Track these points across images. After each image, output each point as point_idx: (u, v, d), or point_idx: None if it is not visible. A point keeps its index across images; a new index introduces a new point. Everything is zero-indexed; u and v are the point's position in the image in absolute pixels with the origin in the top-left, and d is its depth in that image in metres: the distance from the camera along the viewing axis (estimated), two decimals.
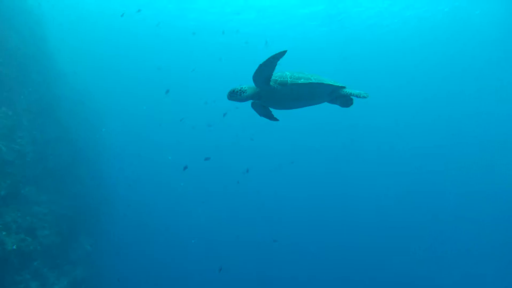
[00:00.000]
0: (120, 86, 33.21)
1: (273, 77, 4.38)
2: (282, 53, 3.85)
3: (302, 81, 4.35)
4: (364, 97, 4.48)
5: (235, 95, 4.43)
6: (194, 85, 32.45)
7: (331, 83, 4.47)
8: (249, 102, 4.72)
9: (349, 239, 27.37)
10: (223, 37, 24.94)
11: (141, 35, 28.17)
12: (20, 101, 11.50)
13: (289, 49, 3.92)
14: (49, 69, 15.22)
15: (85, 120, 18.78)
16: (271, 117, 5.03)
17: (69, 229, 12.69)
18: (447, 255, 25.69)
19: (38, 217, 10.70)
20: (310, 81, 4.36)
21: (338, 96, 4.73)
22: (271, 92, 4.44)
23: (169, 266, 22.15)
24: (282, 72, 4.49)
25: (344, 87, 4.61)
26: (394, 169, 34.15)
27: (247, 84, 4.47)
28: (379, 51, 28.88)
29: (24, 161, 10.73)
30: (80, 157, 15.99)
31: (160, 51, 30.77)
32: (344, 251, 26.17)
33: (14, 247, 8.62)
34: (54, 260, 10.90)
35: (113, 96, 31.64)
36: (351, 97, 4.70)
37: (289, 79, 4.36)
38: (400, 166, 34.21)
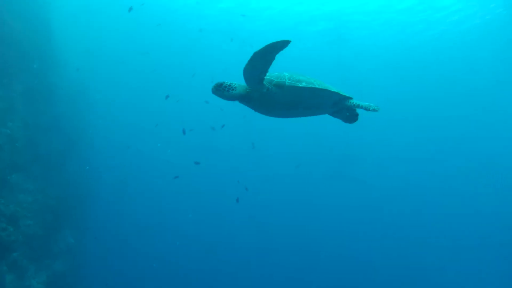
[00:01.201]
0: (119, 81, 32.87)
1: (268, 77, 3.74)
2: (285, 43, 3.14)
3: (303, 84, 3.69)
4: (374, 110, 3.96)
5: (221, 91, 3.75)
6: (197, 86, 32.20)
7: (337, 91, 3.88)
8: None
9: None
10: (229, 43, 24.69)
11: (145, 30, 27.88)
12: (15, 85, 11.22)
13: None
14: (50, 56, 14.92)
15: (80, 111, 18.44)
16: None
17: (53, 220, 12.33)
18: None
19: (22, 206, 10.38)
20: (313, 86, 3.71)
21: (343, 108, 4.17)
22: (264, 95, 3.76)
23: (153, 263, 21.83)
24: (280, 72, 3.87)
25: (351, 98, 4.07)
26: (400, 182, 34.02)
27: (239, 81, 3.80)
28: (381, 69, 28.98)
29: (14, 146, 10.44)
30: (71, 147, 15.65)
31: (163, 48, 30.50)
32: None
33: None
34: (35, 252, 10.56)
35: (111, 90, 31.31)
36: (358, 109, 4.17)
37: (287, 81, 3.70)
38: (405, 179, 34.11)
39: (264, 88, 3.71)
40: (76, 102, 17.79)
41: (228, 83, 3.77)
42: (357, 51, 26.44)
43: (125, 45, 29.49)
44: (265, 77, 3.62)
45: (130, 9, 17.47)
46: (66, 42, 19.19)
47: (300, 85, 3.69)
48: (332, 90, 3.83)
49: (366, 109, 4.00)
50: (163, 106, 27.39)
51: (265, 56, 3.28)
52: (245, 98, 3.86)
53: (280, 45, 3.16)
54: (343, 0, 20.01)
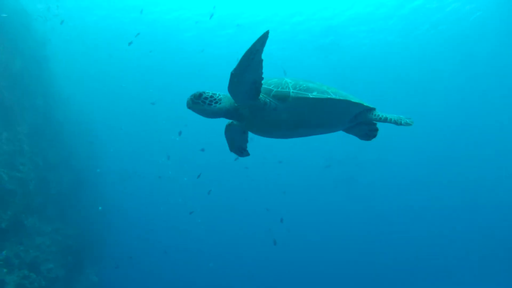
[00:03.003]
0: (122, 110, 32.76)
1: (264, 85, 2.78)
2: (264, 38, 2.29)
3: (314, 94, 2.74)
4: (407, 124, 3.05)
5: (201, 104, 2.80)
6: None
7: (359, 102, 3.00)
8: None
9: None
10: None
11: (142, 59, 27.75)
12: (21, 125, 10.92)
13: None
14: (51, 92, 14.70)
15: (87, 144, 18.20)
16: (242, 151, 3.44)
17: (74, 259, 11.93)
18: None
19: (41, 250, 9.97)
20: (328, 96, 2.78)
21: (362, 123, 3.31)
22: (259, 111, 2.78)
23: None
24: (280, 78, 2.92)
25: (374, 109, 3.21)
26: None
27: (224, 92, 2.85)
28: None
29: (27, 189, 10.07)
30: (83, 182, 15.35)
31: (162, 74, 30.37)
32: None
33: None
34: None
35: (115, 119, 31.16)
36: (383, 123, 3.21)
37: (292, 90, 2.75)
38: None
39: (260, 102, 2.73)
40: (82, 136, 17.55)
41: (210, 94, 2.83)
42: (353, 57, 26.12)
43: (126, 76, 29.43)
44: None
45: (130, 43, 16.95)
46: (66, 77, 19.07)
47: (310, 95, 2.73)
48: (354, 100, 2.94)
49: (396, 123, 3.07)
50: (171, 136, 26.94)
51: (251, 65, 2.40)
52: (234, 115, 2.94)
53: (260, 43, 2.30)
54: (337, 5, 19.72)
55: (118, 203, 22.04)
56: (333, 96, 2.80)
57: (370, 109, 3.18)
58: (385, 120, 3.10)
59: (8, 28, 11.95)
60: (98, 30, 23.63)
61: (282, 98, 2.74)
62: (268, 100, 2.75)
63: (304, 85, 2.81)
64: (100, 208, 16.32)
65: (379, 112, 3.17)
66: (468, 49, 22.98)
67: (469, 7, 18.89)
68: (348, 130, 3.43)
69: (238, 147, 3.41)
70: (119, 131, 31.00)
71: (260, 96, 2.71)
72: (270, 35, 2.32)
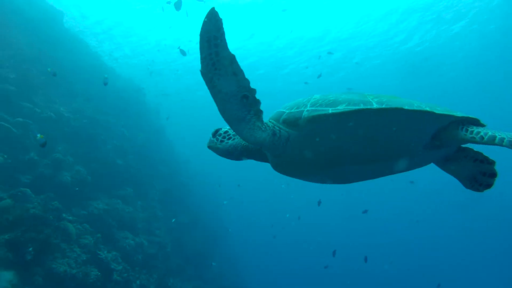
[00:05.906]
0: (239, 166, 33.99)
1: (278, 111, 2.03)
2: (214, 17, 1.57)
3: (338, 109, 1.72)
4: None
5: (215, 142, 2.28)
6: None
7: (430, 110, 1.75)
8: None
9: None
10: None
11: None
12: (152, 192, 11.75)
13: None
14: (171, 158, 15.82)
15: (216, 204, 18.97)
16: None
17: None
18: None
19: None
20: (360, 108, 1.71)
21: (466, 155, 2.06)
22: (274, 148, 1.96)
23: None
24: (311, 97, 1.99)
25: (476, 124, 1.88)
26: None
27: None
28: None
29: (165, 252, 10.58)
30: (211, 240, 15.77)
31: None
32: None
33: None
34: None
35: (232, 175, 32.33)
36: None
37: (307, 109, 1.82)
38: None
39: (269, 135, 1.90)
40: (204, 195, 18.33)
41: (225, 129, 2.30)
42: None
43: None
44: (259, 109, 1.87)
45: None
46: (178, 140, 20.50)
47: (331, 110, 1.73)
48: (413, 108, 1.72)
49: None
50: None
51: (213, 58, 1.66)
52: (257, 155, 2.28)
53: (213, 23, 1.57)
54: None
55: (253, 261, 22.25)
56: (369, 107, 1.69)
57: (461, 121, 1.85)
58: (490, 141, 1.72)
59: (129, 106, 13.38)
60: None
61: (293, 122, 1.85)
62: (278, 129, 1.92)
63: (332, 99, 1.82)
64: (213, 264, 16.23)
65: (480, 129, 1.78)
66: None
67: None
68: (447, 167, 2.15)
69: None
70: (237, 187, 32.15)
71: (268, 122, 1.96)
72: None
